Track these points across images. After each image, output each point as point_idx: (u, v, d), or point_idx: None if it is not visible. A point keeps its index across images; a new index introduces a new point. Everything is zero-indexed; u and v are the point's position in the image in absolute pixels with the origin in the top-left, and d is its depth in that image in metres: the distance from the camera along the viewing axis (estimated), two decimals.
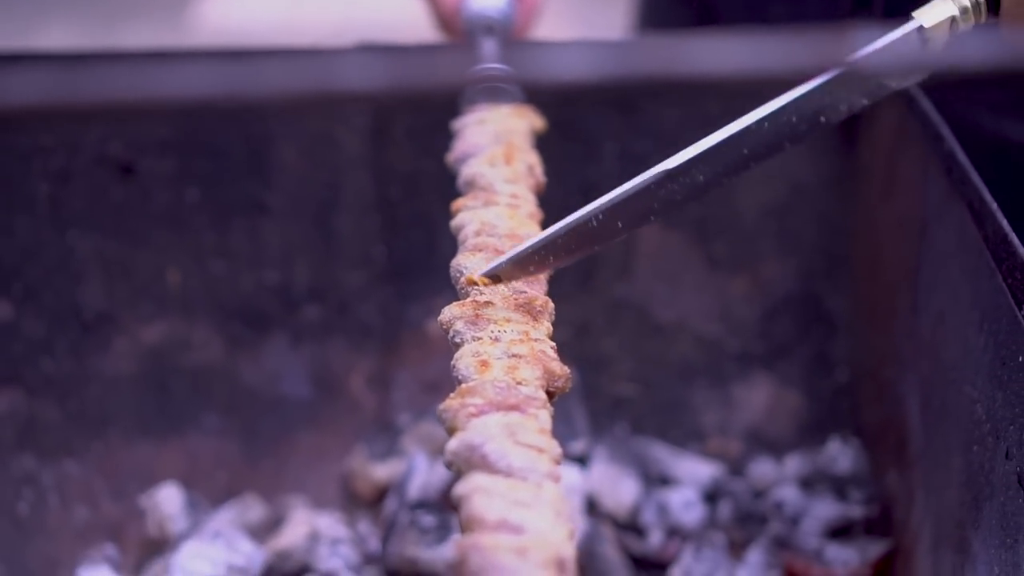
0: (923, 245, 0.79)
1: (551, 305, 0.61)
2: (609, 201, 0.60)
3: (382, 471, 0.92)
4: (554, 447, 0.52)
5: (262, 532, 0.90)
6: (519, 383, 0.54)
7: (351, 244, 0.96)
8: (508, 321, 0.58)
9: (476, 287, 0.61)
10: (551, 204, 0.97)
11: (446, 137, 0.95)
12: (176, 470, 0.94)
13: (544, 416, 0.53)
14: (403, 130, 0.95)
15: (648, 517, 0.90)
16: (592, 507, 0.90)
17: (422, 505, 0.88)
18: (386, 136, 0.95)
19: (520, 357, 0.56)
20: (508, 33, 0.88)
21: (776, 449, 0.96)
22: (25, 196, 0.92)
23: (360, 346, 0.97)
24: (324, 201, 0.95)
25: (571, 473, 0.90)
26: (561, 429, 0.93)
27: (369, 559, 0.88)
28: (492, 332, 0.58)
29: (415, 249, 0.97)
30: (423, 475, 0.90)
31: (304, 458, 0.96)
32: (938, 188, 0.75)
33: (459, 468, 0.51)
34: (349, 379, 0.98)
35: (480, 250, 0.64)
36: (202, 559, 0.82)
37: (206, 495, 0.93)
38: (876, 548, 0.85)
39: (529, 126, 0.78)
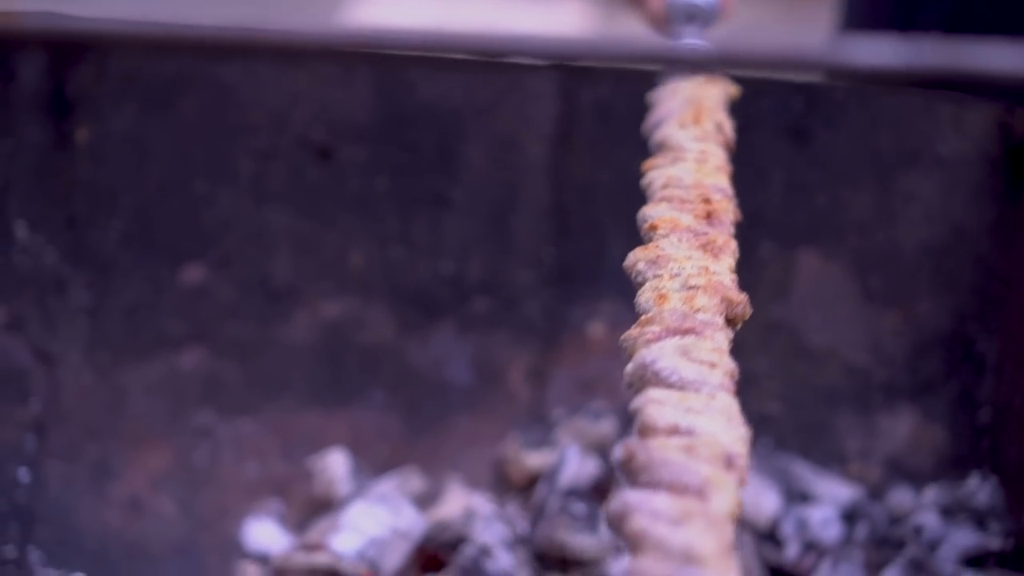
0: None
1: (733, 244, 0.65)
2: None
3: (535, 459, 0.97)
4: (727, 363, 0.56)
5: (419, 503, 0.95)
6: (696, 311, 0.58)
7: (523, 244, 1.01)
8: (688, 259, 0.63)
9: (657, 231, 0.65)
10: None
11: (625, 150, 1.00)
12: (341, 438, 1.00)
13: (720, 337, 0.57)
14: (585, 140, 1.00)
15: (787, 530, 0.93)
16: None
17: (573, 493, 0.93)
18: (568, 144, 1.00)
19: (698, 288, 0.60)
20: (712, 22, 0.90)
21: (915, 479, 0.99)
22: (230, 170, 0.99)
23: (522, 341, 1.02)
24: (503, 201, 1.01)
25: None
26: None
27: (517, 540, 0.93)
28: (672, 269, 0.62)
29: (583, 255, 1.02)
30: (575, 466, 0.94)
31: (460, 440, 1.01)
32: None
33: (636, 388, 0.55)
34: (508, 371, 1.03)
35: (666, 200, 0.68)
36: (370, 519, 0.87)
37: (367, 464, 0.99)
38: None
39: (723, 92, 0.82)
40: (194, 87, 0.98)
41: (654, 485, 0.50)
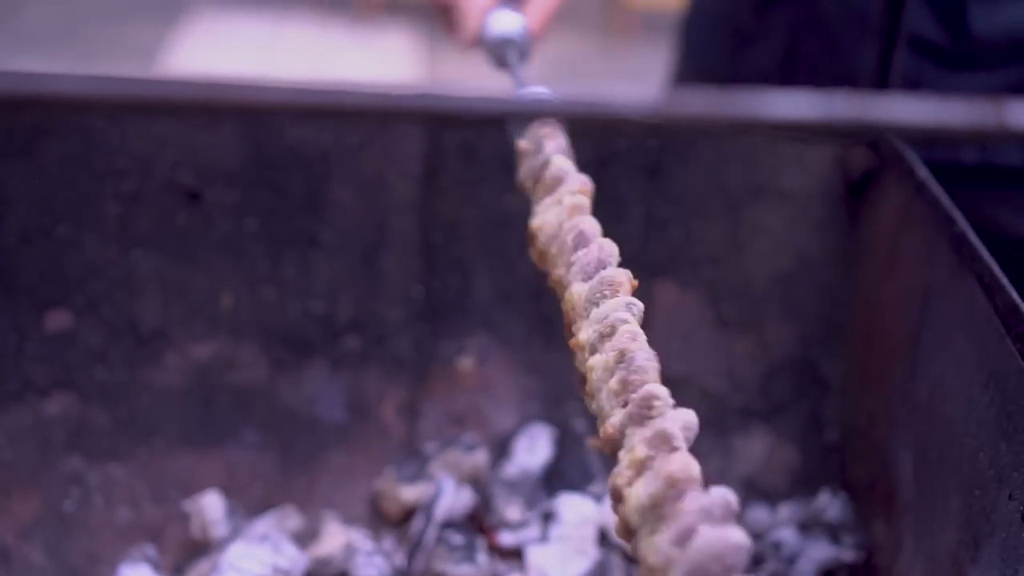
0: (925, 316, 0.89)
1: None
2: None
3: (410, 492, 0.99)
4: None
5: (298, 541, 0.96)
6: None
7: (392, 282, 1.04)
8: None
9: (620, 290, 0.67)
10: None
11: (490, 188, 1.04)
12: (214, 480, 1.00)
13: None
14: (450, 179, 1.03)
15: None
16: (604, 538, 0.97)
17: (449, 524, 0.95)
18: (434, 183, 1.03)
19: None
20: (528, 51, 0.94)
21: (770, 497, 1.04)
22: (96, 214, 0.99)
23: (393, 377, 1.04)
24: (371, 240, 1.03)
25: (588, 505, 0.98)
26: (577, 474, 1.02)
27: (396, 573, 0.95)
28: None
29: (451, 291, 1.05)
30: (450, 498, 0.97)
31: (335, 477, 1.03)
32: (945, 265, 0.85)
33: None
34: (381, 406, 1.05)
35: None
36: (250, 559, 0.88)
37: (242, 505, 0.99)
38: None
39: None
40: (57, 133, 0.97)
41: None
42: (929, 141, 1.02)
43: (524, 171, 0.78)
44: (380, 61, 4.49)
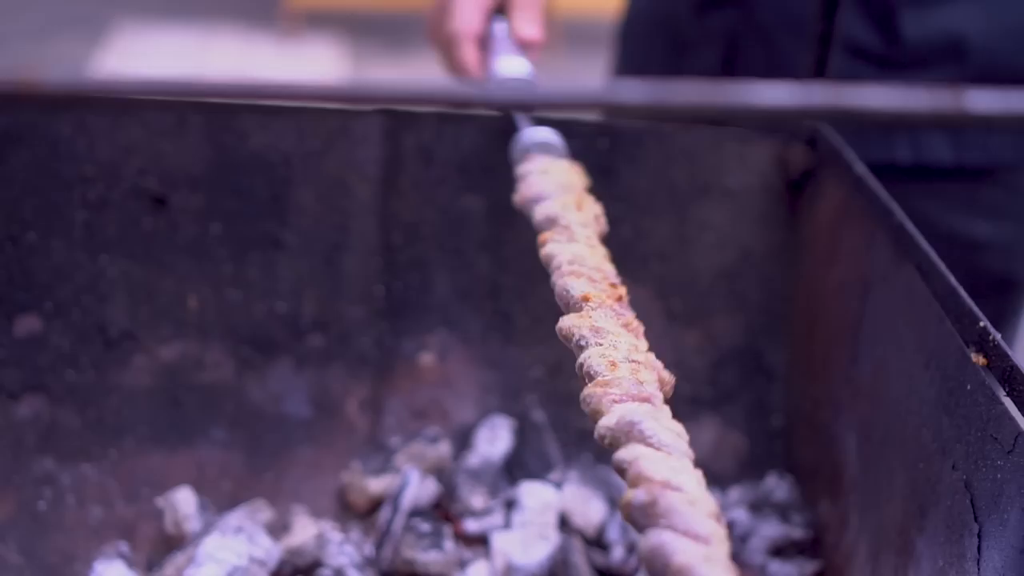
0: (866, 305, 0.94)
1: (642, 328, 0.72)
2: None
3: (376, 484, 1.02)
4: (684, 432, 0.62)
5: (270, 533, 0.98)
6: (642, 383, 0.64)
7: (354, 282, 1.07)
8: (619, 335, 0.69)
9: (589, 303, 0.72)
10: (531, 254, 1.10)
11: (447, 190, 1.07)
12: (185, 477, 1.03)
13: (667, 410, 0.63)
14: (409, 181, 1.06)
15: (612, 535, 1.02)
16: (564, 523, 1.01)
17: (416, 513, 0.99)
18: (394, 187, 1.06)
19: (638, 363, 0.66)
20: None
21: (720, 482, 1.09)
22: (64, 221, 1.01)
23: (357, 373, 1.08)
24: (333, 242, 1.06)
25: (548, 492, 1.02)
26: (537, 463, 1.06)
27: (366, 561, 0.98)
28: (612, 341, 0.68)
29: (411, 290, 1.08)
30: (416, 488, 1.00)
31: (302, 471, 1.06)
32: (884, 255, 0.90)
33: (611, 441, 0.60)
34: (345, 402, 1.08)
35: (580, 276, 0.75)
36: (227, 550, 0.91)
37: (212, 501, 1.02)
38: (811, 566, 0.98)
39: (584, 181, 0.91)
40: (25, 142, 0.99)
41: (673, 529, 0.54)
42: (864, 141, 1.08)
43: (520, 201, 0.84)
44: (305, 72, 4.52)
